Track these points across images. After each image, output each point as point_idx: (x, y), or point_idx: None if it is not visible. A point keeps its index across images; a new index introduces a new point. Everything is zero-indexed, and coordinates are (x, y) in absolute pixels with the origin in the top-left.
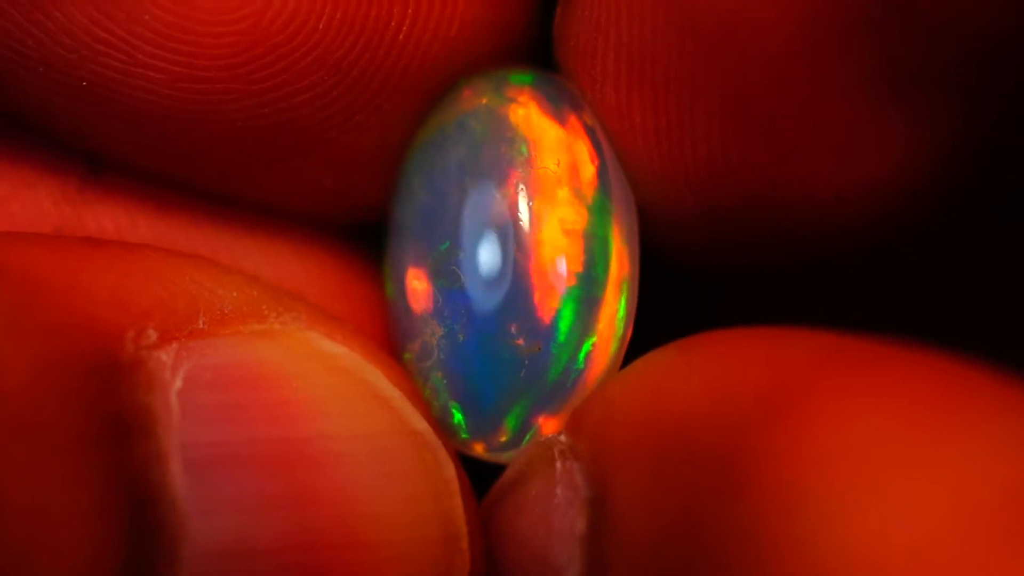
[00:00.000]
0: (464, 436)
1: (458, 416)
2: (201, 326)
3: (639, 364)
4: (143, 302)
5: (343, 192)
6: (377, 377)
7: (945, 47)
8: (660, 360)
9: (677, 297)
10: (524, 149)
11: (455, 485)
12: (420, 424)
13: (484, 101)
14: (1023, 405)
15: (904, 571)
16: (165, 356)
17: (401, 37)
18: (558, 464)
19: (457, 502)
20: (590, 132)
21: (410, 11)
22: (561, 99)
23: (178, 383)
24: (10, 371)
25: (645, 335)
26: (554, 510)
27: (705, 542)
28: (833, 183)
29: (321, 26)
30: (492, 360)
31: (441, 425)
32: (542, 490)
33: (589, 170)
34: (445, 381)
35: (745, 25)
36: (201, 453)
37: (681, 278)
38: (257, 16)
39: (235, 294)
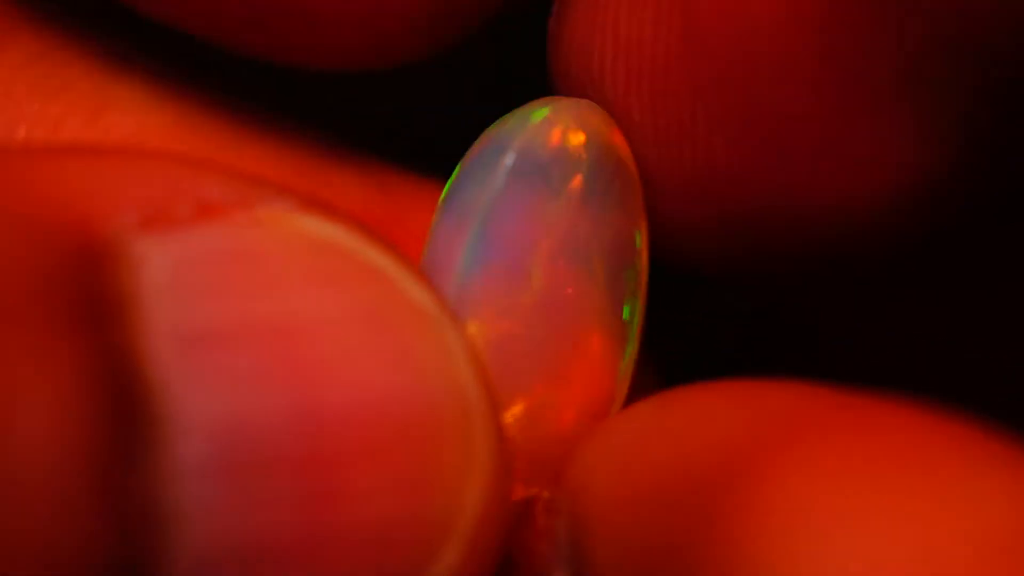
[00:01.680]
0: None
1: None
2: (185, 213)
3: (619, 417)
4: (122, 190)
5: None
6: (372, 252)
7: (952, 47)
8: (638, 414)
9: (679, 300)
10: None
11: (465, 356)
12: (421, 295)
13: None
14: (1005, 464)
15: None
16: (146, 241)
17: None
18: (540, 520)
19: (469, 370)
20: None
21: None
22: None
23: (161, 265)
24: None
25: (648, 339)
26: (537, 568)
27: None
28: (838, 188)
29: None
30: None
31: None
32: (524, 548)
33: None
34: None
35: (746, 24)
36: (189, 331)
37: (682, 282)
38: None
39: (220, 184)
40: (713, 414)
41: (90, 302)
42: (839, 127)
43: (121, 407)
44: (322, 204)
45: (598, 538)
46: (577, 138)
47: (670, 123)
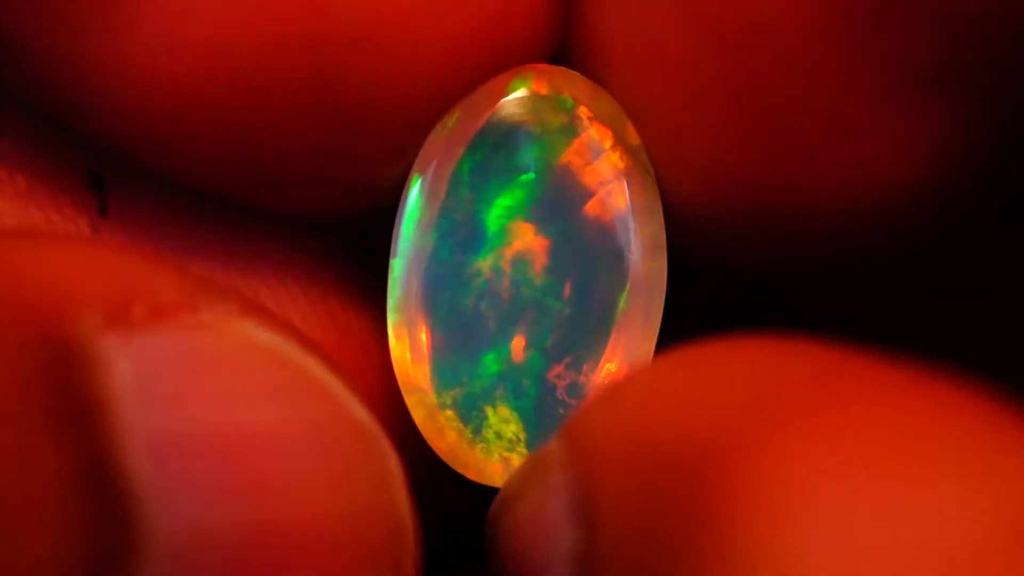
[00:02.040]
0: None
1: None
2: (141, 314)
3: (630, 376)
4: (83, 289)
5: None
6: (315, 366)
7: (964, 41)
8: (647, 374)
9: (690, 291)
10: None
11: (399, 477)
12: (361, 414)
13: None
14: (1015, 438)
15: None
16: (111, 342)
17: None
18: (552, 479)
19: (403, 494)
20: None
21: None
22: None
23: (129, 368)
24: None
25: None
26: (549, 527)
27: (670, 568)
28: (847, 181)
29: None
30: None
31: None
32: (537, 506)
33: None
34: None
35: (755, 13)
36: (160, 438)
37: (693, 272)
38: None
39: (168, 285)
40: (723, 372)
41: (64, 402)
42: (850, 121)
43: (99, 509)
44: (260, 309)
45: (607, 497)
46: (553, 104)
47: (679, 112)
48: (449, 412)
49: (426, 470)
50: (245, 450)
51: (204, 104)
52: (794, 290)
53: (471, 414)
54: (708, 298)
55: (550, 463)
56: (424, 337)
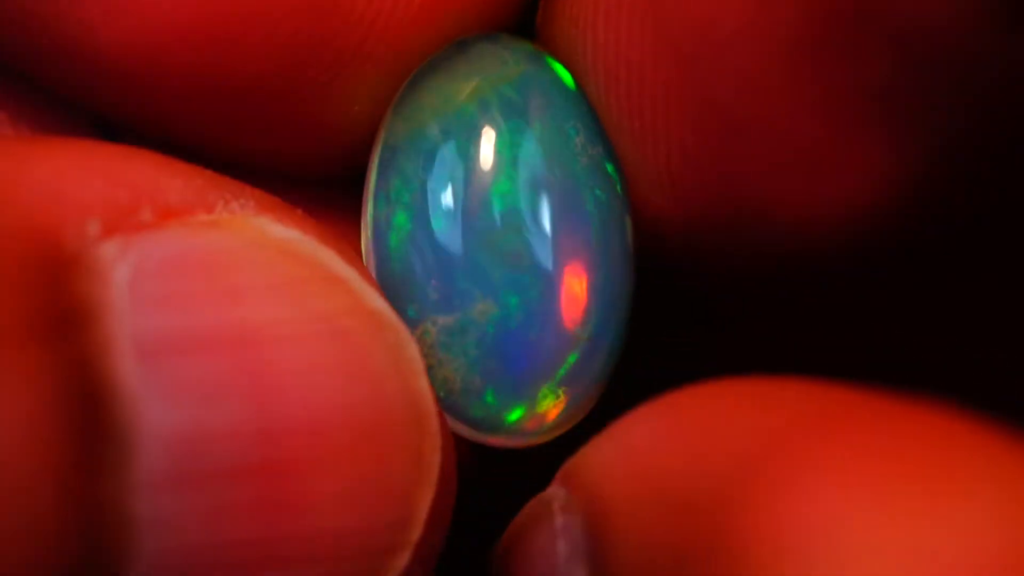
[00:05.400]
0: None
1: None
2: (146, 218)
3: (631, 417)
4: (83, 195)
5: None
6: (331, 258)
7: (922, 70)
8: (651, 413)
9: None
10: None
11: (420, 365)
12: (379, 303)
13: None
14: (1015, 472)
15: None
16: (109, 248)
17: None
18: (558, 519)
19: (424, 383)
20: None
21: None
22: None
23: (124, 274)
24: None
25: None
26: (557, 565)
27: None
28: (804, 199)
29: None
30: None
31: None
32: (545, 544)
33: None
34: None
35: (718, 35)
36: (152, 341)
37: (666, 282)
38: None
39: (180, 184)
40: (726, 413)
41: (56, 311)
42: (808, 141)
43: (88, 418)
44: (278, 204)
45: (616, 537)
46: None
47: (644, 123)
48: None
49: None
50: (251, 346)
51: (189, 40)
52: (766, 296)
53: None
54: (681, 300)
55: (553, 506)
56: None
